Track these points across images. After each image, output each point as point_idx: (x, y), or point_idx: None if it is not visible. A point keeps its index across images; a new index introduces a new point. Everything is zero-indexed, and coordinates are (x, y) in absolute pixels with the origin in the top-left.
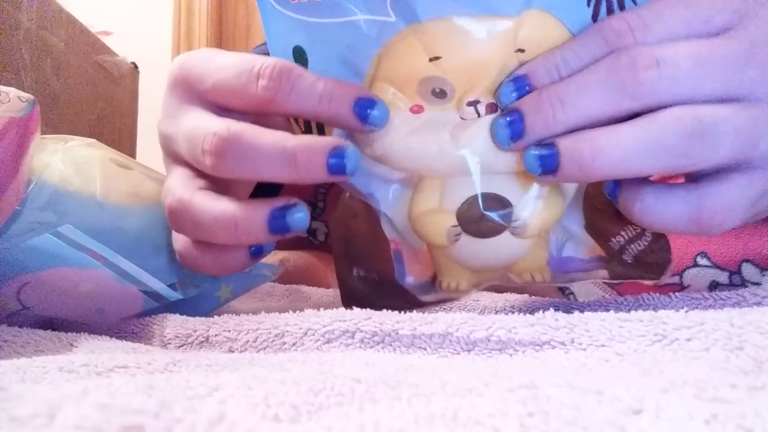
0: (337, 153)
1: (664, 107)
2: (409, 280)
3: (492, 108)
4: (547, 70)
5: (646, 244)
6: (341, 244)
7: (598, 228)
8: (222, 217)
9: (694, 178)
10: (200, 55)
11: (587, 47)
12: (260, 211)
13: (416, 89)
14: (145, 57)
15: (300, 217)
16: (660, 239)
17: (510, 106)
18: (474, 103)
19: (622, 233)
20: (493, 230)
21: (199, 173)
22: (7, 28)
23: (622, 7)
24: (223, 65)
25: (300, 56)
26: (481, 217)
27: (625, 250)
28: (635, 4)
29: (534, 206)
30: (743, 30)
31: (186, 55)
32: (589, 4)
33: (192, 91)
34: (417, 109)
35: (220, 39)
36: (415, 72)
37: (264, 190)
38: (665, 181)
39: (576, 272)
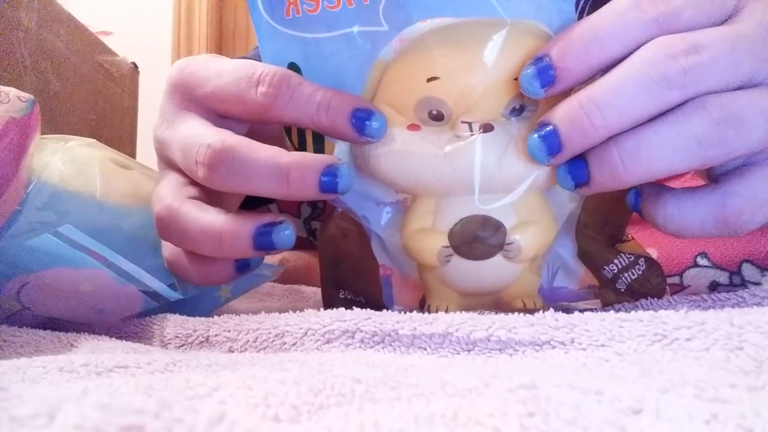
0: (329, 171)
1: (700, 96)
2: (398, 306)
3: (487, 127)
4: (575, 53)
5: (640, 273)
6: (329, 264)
7: (591, 256)
8: (208, 229)
9: (715, 179)
10: (200, 61)
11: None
12: (246, 227)
13: (413, 110)
14: (145, 57)
15: (286, 234)
16: (654, 267)
17: (541, 119)
18: (468, 121)
19: (615, 261)
20: (486, 253)
21: (191, 181)
22: (7, 28)
23: None
24: (223, 71)
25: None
26: (474, 238)
27: (618, 279)
28: None
29: (527, 229)
30: (747, 14)
31: (186, 60)
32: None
33: (190, 97)
34: (414, 128)
35: (220, 39)
36: (413, 92)
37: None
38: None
39: (568, 301)
